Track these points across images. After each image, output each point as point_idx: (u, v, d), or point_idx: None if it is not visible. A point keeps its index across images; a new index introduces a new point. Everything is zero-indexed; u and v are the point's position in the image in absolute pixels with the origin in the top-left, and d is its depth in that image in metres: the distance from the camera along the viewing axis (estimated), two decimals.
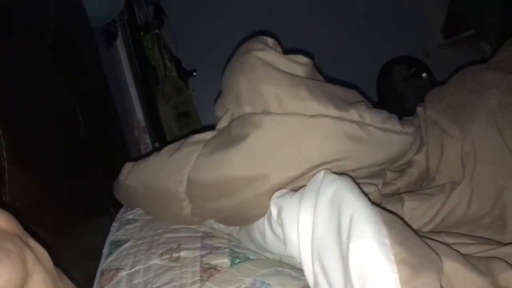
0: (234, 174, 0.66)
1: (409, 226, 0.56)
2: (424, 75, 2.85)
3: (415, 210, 0.74)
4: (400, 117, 0.83)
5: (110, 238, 0.83)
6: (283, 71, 0.70)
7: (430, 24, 2.97)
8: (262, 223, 0.69)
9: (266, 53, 0.72)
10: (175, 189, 0.73)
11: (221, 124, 0.77)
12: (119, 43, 1.78)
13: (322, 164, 0.65)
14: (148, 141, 1.82)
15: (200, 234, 0.78)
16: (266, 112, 0.67)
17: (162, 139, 2.01)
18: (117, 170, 0.88)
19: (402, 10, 2.91)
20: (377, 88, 2.86)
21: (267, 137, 0.66)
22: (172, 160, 0.75)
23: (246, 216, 0.71)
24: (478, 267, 0.52)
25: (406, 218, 0.73)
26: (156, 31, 2.20)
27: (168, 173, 0.75)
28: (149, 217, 0.88)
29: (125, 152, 1.32)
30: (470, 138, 0.78)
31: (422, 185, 0.83)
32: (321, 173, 0.61)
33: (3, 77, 0.63)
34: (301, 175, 0.65)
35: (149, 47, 2.10)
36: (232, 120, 0.74)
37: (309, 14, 2.89)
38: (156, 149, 0.82)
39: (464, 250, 0.60)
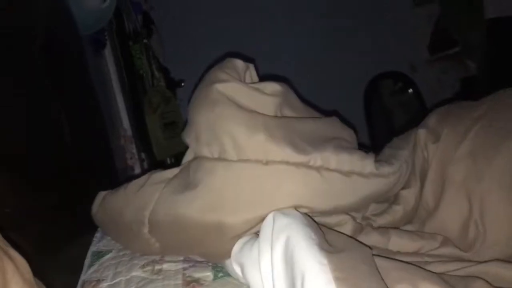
0: (191, 219, 0.65)
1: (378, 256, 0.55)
2: (410, 90, 2.89)
3: (402, 247, 0.71)
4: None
5: (92, 248, 0.82)
6: (244, 109, 0.67)
7: (416, 40, 3.02)
8: (231, 266, 0.67)
9: (229, 86, 0.69)
10: (139, 230, 0.71)
11: (185, 159, 0.75)
12: (107, 52, 1.78)
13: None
14: (134, 150, 1.81)
15: None
16: (221, 158, 0.66)
17: (148, 149, 2.00)
18: (101, 179, 0.88)
19: (389, 26, 2.95)
20: (364, 103, 2.88)
21: (219, 185, 0.64)
22: (136, 198, 0.73)
23: (214, 256, 0.71)
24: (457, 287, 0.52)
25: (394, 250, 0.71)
26: (145, 40, 2.20)
27: (132, 213, 0.73)
28: None
29: (110, 161, 1.31)
30: (480, 196, 0.71)
31: (410, 222, 0.79)
32: (271, 216, 0.59)
33: None
34: (257, 222, 0.63)
35: (138, 57, 2.10)
36: (193, 158, 0.72)
37: (297, 28, 2.91)
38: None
39: (443, 267, 0.60)
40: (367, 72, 2.87)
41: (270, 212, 0.61)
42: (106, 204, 0.80)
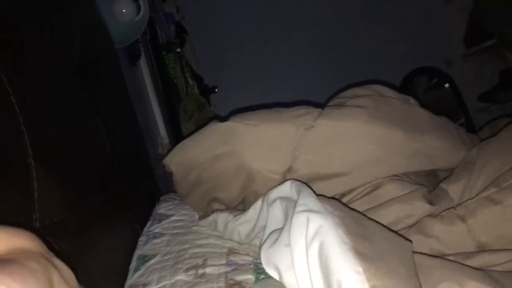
0: None
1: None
2: (446, 85, 2.83)
3: None
4: None
5: (138, 252, 0.84)
6: None
7: (451, 34, 2.96)
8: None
9: None
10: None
11: None
12: (142, 63, 1.82)
13: None
14: None
15: (225, 250, 0.78)
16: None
17: None
18: (141, 186, 0.89)
19: (423, 21, 2.91)
20: None
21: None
22: None
23: None
24: (505, 286, 0.51)
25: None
26: (178, 50, 2.24)
27: None
28: (175, 231, 0.89)
29: (149, 169, 1.34)
30: None
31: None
32: (304, 217, 0.58)
33: (33, 95, 0.66)
34: None
35: (171, 66, 2.13)
36: None
37: (331, 27, 2.90)
38: None
39: (490, 258, 0.59)
40: (402, 68, 2.84)
41: None
42: None
